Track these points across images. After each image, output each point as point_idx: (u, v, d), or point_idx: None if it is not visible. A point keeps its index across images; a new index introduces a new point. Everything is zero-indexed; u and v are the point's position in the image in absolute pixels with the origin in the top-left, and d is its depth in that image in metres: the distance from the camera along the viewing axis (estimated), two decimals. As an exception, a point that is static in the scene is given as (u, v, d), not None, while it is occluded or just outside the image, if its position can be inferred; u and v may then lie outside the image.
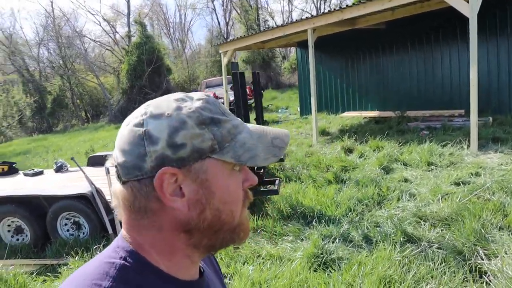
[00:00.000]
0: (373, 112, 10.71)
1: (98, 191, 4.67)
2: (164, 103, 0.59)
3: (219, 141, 0.58)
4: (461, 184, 4.60)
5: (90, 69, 23.07)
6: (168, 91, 21.14)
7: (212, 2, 28.62)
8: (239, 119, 0.63)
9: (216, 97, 13.77)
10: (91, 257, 3.86)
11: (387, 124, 9.02)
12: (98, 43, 24.77)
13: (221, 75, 18.94)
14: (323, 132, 9.14)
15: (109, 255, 0.59)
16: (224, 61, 11.01)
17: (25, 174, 6.80)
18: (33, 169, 7.01)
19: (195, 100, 0.60)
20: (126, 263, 0.57)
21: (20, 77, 24.02)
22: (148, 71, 19.37)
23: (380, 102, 10.81)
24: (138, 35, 20.71)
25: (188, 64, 25.32)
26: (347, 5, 7.58)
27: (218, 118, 0.59)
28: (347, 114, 11.10)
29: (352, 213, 4.18)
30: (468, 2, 5.80)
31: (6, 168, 7.08)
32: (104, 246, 4.15)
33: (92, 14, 22.33)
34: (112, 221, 4.57)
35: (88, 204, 4.68)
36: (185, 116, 0.57)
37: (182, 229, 0.59)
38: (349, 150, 7.02)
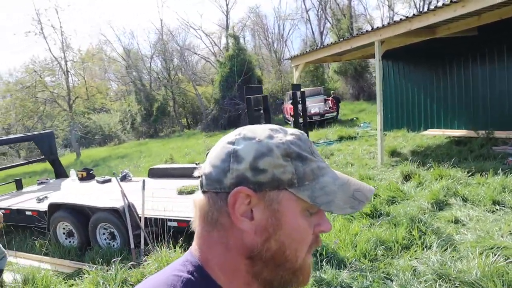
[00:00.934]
0: (458, 131, 9.32)
1: (130, 206, 4.97)
2: (259, 130, 0.62)
3: (300, 177, 0.59)
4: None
5: (189, 80, 24.97)
6: (258, 102, 21.70)
7: (307, 12, 28.48)
8: (326, 163, 0.64)
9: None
10: (107, 269, 4.18)
11: (469, 147, 7.76)
12: (199, 55, 26.81)
13: (314, 87, 18.79)
14: (393, 153, 8.28)
15: (178, 268, 0.61)
16: (295, 75, 10.81)
17: (97, 181, 7.65)
18: (104, 177, 7.84)
19: (288, 134, 0.62)
20: (192, 277, 0.59)
21: (134, 87, 27.30)
22: (238, 82, 20.13)
23: (467, 119, 9.37)
24: (231, 48, 21.72)
25: (281, 74, 25.59)
26: (414, 14, 6.73)
27: (305, 155, 0.60)
28: (429, 132, 9.88)
29: (366, 258, 3.67)
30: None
31: (84, 174, 8.07)
32: (124, 259, 4.44)
33: (195, 29, 23.94)
34: (137, 236, 4.83)
35: (120, 217, 5.01)
36: (274, 145, 0.59)
37: (246, 253, 0.60)
38: (408, 177, 6.21)
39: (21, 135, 9.23)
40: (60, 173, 8.60)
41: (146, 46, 30.07)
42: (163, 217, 5.03)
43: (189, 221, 4.83)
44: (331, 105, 14.88)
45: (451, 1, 5.94)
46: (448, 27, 7.94)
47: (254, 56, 23.75)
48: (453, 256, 3.43)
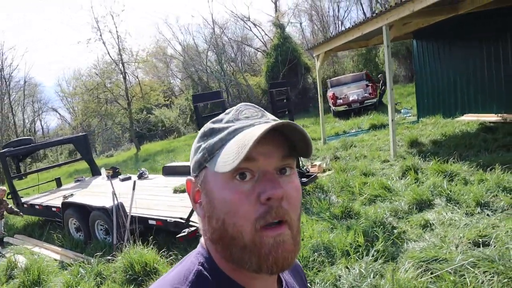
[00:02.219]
0: (493, 116, 8.29)
1: (119, 206, 5.39)
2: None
3: (209, 149, 0.59)
4: (479, 245, 3.28)
5: (241, 72, 25.34)
6: (304, 89, 21.33)
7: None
8: (250, 122, 0.60)
9: (336, 98, 13.40)
10: (88, 262, 4.62)
11: (495, 135, 6.89)
12: (252, 47, 26.95)
13: (366, 70, 17.85)
14: (413, 143, 7.67)
15: (191, 260, 0.63)
16: (317, 65, 10.46)
17: (119, 179, 8.32)
18: (126, 175, 8.49)
19: (225, 112, 0.64)
20: (203, 269, 0.61)
21: (191, 81, 28.50)
22: (282, 71, 19.96)
23: (506, 103, 8.26)
24: (276, 37, 21.52)
25: (333, 60, 24.73)
26: None
27: (219, 127, 0.60)
28: (464, 117, 8.91)
29: (301, 264, 3.57)
30: None
31: (111, 172, 8.81)
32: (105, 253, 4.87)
33: (243, 21, 24.00)
34: (121, 233, 5.23)
35: (110, 215, 5.47)
36: (200, 131, 0.65)
37: (208, 237, 0.62)
38: (406, 172, 5.77)
39: (61, 138, 10.35)
40: (95, 171, 9.50)
41: (202, 40, 31.08)
42: (146, 216, 5.37)
43: (165, 220, 5.11)
44: (371, 91, 14.06)
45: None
46: (471, 1, 7.07)
47: (300, 43, 23.23)
48: (374, 269, 3.19)
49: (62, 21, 57.74)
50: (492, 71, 8.45)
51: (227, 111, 0.63)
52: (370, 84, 14.35)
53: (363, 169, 6.38)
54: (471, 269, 2.85)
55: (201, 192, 0.61)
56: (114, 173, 8.82)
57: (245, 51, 30.64)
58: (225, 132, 0.59)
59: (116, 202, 5.37)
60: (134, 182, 5.66)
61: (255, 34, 27.03)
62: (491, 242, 3.26)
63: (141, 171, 8.25)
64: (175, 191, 6.41)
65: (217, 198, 0.58)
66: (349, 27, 8.15)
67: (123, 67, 20.43)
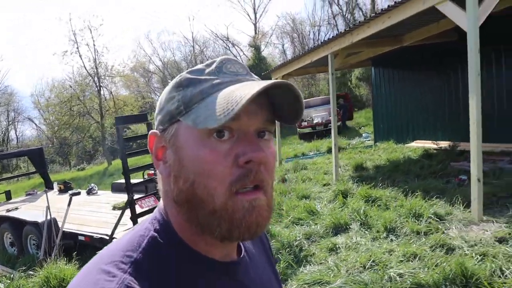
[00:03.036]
0: (442, 142, 8.66)
1: (51, 221, 5.41)
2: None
3: (186, 102, 0.53)
4: (366, 268, 3.44)
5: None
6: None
7: (334, 18, 27.79)
8: (237, 78, 0.55)
9: (301, 120, 13.25)
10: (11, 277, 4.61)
11: (435, 161, 7.19)
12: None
13: (341, 93, 18.18)
14: (358, 168, 7.93)
15: (146, 227, 0.58)
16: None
17: (69, 194, 8.28)
18: (76, 190, 8.48)
19: (204, 65, 0.58)
20: (157, 235, 0.56)
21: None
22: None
23: (451, 130, 8.66)
24: (252, 58, 21.98)
25: (309, 82, 25.30)
26: (354, 25, 6.44)
27: (199, 79, 0.54)
28: (414, 144, 9.27)
29: None
30: (465, 11, 4.28)
31: (62, 187, 8.79)
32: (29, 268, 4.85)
33: (222, 40, 24.52)
34: (51, 249, 5.23)
35: (41, 230, 5.47)
36: (173, 81, 0.58)
37: (173, 199, 0.56)
38: (337, 197, 5.96)
39: (16, 150, 10.31)
40: (48, 185, 9.43)
41: (181, 58, 31.48)
42: (76, 231, 5.40)
43: (92, 236, 5.16)
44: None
45: (380, 13, 5.66)
46: (411, 35, 7.50)
47: (274, 64, 23.78)
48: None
49: (44, 29, 57.47)
50: (438, 101, 8.85)
51: (207, 62, 0.57)
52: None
53: (301, 192, 6.55)
54: (344, 292, 3.01)
55: (167, 149, 0.56)
56: (66, 187, 8.79)
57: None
58: (207, 84, 0.54)
59: (48, 217, 5.40)
60: (70, 198, 5.69)
61: (233, 54, 27.49)
62: (375, 266, 3.43)
63: (90, 187, 8.25)
64: (114, 208, 6.45)
65: (189, 156, 0.53)
66: (299, 54, 8.48)
67: (98, 81, 20.46)
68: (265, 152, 0.53)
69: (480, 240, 3.66)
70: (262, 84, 0.49)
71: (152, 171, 6.55)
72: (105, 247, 0.57)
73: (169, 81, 22.90)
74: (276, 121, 0.58)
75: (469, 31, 4.22)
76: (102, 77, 20.63)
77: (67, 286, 0.51)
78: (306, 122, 14.65)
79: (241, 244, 0.65)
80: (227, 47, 26.80)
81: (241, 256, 0.63)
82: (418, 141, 9.52)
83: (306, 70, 10.57)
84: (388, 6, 5.29)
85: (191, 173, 0.52)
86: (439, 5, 4.62)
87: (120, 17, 56.95)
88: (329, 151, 11.19)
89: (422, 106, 9.43)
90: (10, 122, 34.71)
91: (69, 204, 5.52)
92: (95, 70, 20.29)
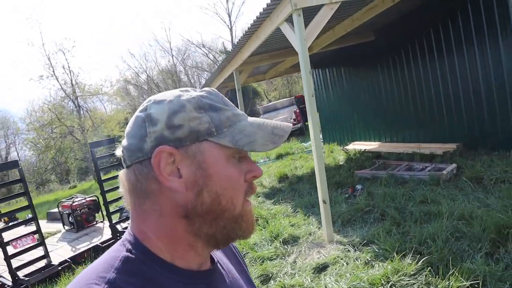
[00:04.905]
0: (374, 143, 8.60)
1: None
2: (168, 93, 0.63)
3: (217, 125, 0.60)
4: None
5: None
6: (252, 114, 21.69)
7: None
8: (242, 111, 0.66)
9: None
10: None
11: (350, 167, 7.14)
12: (206, 71, 27.72)
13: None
14: (282, 178, 7.92)
15: (117, 248, 0.61)
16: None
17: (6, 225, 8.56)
18: (17, 221, 8.72)
19: (198, 91, 0.64)
20: (130, 254, 0.58)
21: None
22: (227, 95, 20.34)
23: (380, 131, 8.59)
24: (225, 63, 22.01)
25: (288, 80, 25.20)
26: (235, 46, 6.45)
27: (218, 106, 0.62)
28: (351, 146, 9.18)
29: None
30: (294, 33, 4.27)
31: (7, 219, 9.05)
32: None
33: (199, 47, 24.71)
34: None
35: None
36: (185, 101, 0.60)
37: (182, 213, 0.59)
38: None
39: None
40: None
41: (157, 70, 31.56)
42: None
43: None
44: (295, 117, 14.40)
45: (241, 39, 5.67)
46: (317, 43, 7.45)
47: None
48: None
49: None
50: (374, 100, 8.75)
51: (203, 92, 0.63)
52: (295, 110, 14.68)
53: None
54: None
55: (188, 164, 0.58)
56: (10, 220, 9.06)
57: (201, 76, 31.14)
58: (228, 113, 0.62)
59: None
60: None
61: (211, 60, 27.59)
62: None
63: (29, 217, 8.48)
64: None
65: (219, 173, 0.59)
66: (215, 71, 8.54)
67: (77, 100, 20.86)
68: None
69: (301, 269, 3.67)
70: (286, 125, 0.66)
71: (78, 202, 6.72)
72: (79, 274, 0.58)
73: (155, 91, 23.07)
74: None
75: (299, 52, 4.21)
76: (80, 97, 21.03)
77: None
78: (267, 127, 14.63)
79: (212, 254, 0.70)
80: (205, 54, 26.91)
81: (215, 264, 0.68)
82: (356, 142, 9.44)
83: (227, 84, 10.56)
84: (244, 32, 5.33)
85: (219, 187, 0.59)
86: (281, 25, 4.62)
87: (93, 36, 57.45)
88: (279, 157, 11.21)
89: (359, 106, 9.33)
90: (10, 145, 35.76)
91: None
92: (73, 90, 20.70)
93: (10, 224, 8.51)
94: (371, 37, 8.06)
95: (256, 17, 4.93)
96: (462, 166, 5.37)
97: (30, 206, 5.21)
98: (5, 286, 4.99)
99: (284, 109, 15.39)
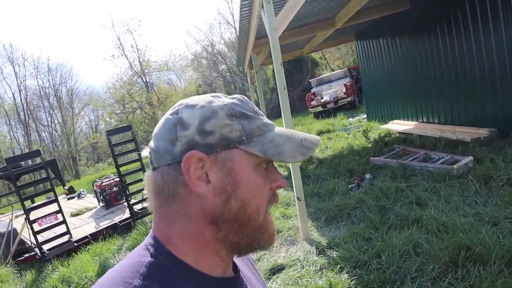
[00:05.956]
0: (410, 123, 7.85)
1: (11, 231, 6.67)
2: (200, 98, 0.63)
3: (248, 133, 0.60)
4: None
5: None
6: (309, 87, 20.88)
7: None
8: (271, 121, 0.66)
9: (311, 99, 12.50)
10: None
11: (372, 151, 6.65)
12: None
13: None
14: (308, 161, 7.69)
15: (140, 253, 0.60)
16: (252, 76, 10.67)
17: (67, 198, 9.75)
18: (73, 194, 9.89)
19: (229, 98, 0.64)
20: (156, 260, 0.58)
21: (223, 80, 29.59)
22: (284, 69, 19.82)
23: (418, 109, 7.76)
24: (283, 33, 21.33)
25: (353, 50, 23.66)
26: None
27: (249, 114, 0.62)
28: (390, 125, 8.46)
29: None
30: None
31: (67, 192, 10.30)
32: None
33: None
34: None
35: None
36: (217, 107, 0.60)
37: (209, 218, 0.59)
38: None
39: (35, 164, 12.20)
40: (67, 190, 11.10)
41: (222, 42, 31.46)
42: (24, 239, 6.57)
43: (30, 246, 6.23)
44: (345, 90, 13.54)
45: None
46: (339, 17, 6.87)
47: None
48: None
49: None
50: (408, 77, 7.94)
51: (235, 99, 0.64)
52: (347, 82, 13.84)
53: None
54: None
55: (217, 170, 0.59)
56: (70, 192, 10.30)
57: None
58: (259, 122, 0.62)
59: (10, 227, 6.67)
60: (25, 219, 6.86)
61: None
62: None
63: (80, 192, 9.56)
64: (72, 215, 7.52)
65: (247, 180, 0.60)
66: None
67: (144, 77, 22.26)
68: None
69: (260, 268, 3.63)
70: (314, 139, 0.66)
71: (107, 182, 7.40)
72: (102, 277, 0.58)
73: (223, 65, 23.41)
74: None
75: (270, 41, 3.97)
76: (147, 73, 22.40)
77: None
78: (314, 101, 14.09)
79: (235, 262, 0.70)
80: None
81: (237, 272, 0.68)
82: (395, 121, 8.70)
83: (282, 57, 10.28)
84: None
85: (246, 195, 0.59)
86: (260, 13, 4.36)
87: (158, 13, 58.64)
88: (318, 134, 10.85)
89: (398, 82, 8.50)
90: (99, 117, 39.71)
91: (26, 219, 6.70)
92: (141, 68, 22.11)
93: (69, 196, 9.72)
94: (406, 6, 7.17)
95: (240, 6, 4.73)
96: (482, 159, 4.69)
97: (52, 190, 5.82)
98: (37, 256, 5.75)
99: (337, 81, 14.60)
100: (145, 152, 0.63)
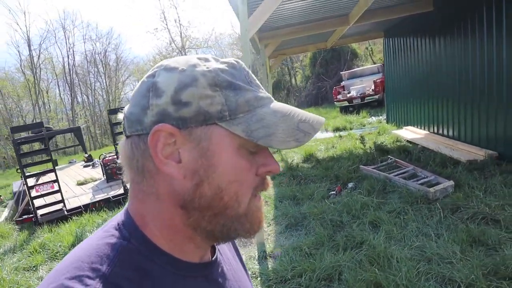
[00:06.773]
0: (421, 132, 7.44)
1: (21, 192, 7.29)
2: (184, 59, 0.54)
3: (232, 108, 0.51)
4: None
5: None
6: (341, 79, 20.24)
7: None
8: (269, 94, 0.56)
9: (337, 93, 12.34)
10: None
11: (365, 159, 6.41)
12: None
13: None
14: (307, 159, 7.60)
15: (111, 233, 0.53)
16: (268, 65, 10.50)
17: (83, 166, 10.33)
18: (87, 162, 10.46)
19: (219, 62, 0.54)
20: (129, 243, 0.52)
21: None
22: (320, 57, 19.34)
23: (429, 118, 7.32)
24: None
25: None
26: None
27: (239, 84, 0.52)
28: (403, 131, 8.09)
29: None
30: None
31: (85, 159, 10.90)
32: None
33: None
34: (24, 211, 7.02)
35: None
36: (199, 73, 0.51)
37: (179, 202, 0.52)
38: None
39: (64, 128, 12.92)
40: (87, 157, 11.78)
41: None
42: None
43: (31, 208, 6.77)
44: (374, 87, 12.96)
45: None
46: (352, 14, 6.56)
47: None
48: None
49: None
50: (423, 83, 7.50)
51: (224, 65, 0.53)
52: (377, 79, 13.25)
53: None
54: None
55: (187, 148, 0.50)
56: (88, 159, 10.89)
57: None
58: (250, 95, 0.52)
59: (21, 188, 7.28)
60: (37, 178, 7.43)
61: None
62: None
63: (94, 162, 10.09)
64: (77, 184, 8.01)
65: (226, 164, 0.51)
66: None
67: (185, 52, 22.66)
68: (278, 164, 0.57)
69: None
70: (316, 122, 0.56)
71: (110, 157, 7.78)
72: (68, 255, 0.52)
73: None
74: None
75: (242, 43, 3.90)
76: (187, 49, 22.76)
77: None
78: (341, 96, 13.65)
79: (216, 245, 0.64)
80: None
81: (215, 256, 0.63)
82: (408, 127, 8.28)
83: (304, 48, 10.02)
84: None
85: (223, 181, 0.51)
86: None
87: None
88: (334, 130, 10.59)
89: (414, 86, 8.04)
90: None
91: (36, 181, 7.27)
92: (182, 42, 22.50)
93: (86, 164, 10.31)
94: (429, 8, 6.69)
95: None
96: (464, 185, 4.39)
97: (51, 160, 6.21)
98: (33, 219, 6.23)
99: (369, 76, 14.04)
100: (120, 115, 0.56)
